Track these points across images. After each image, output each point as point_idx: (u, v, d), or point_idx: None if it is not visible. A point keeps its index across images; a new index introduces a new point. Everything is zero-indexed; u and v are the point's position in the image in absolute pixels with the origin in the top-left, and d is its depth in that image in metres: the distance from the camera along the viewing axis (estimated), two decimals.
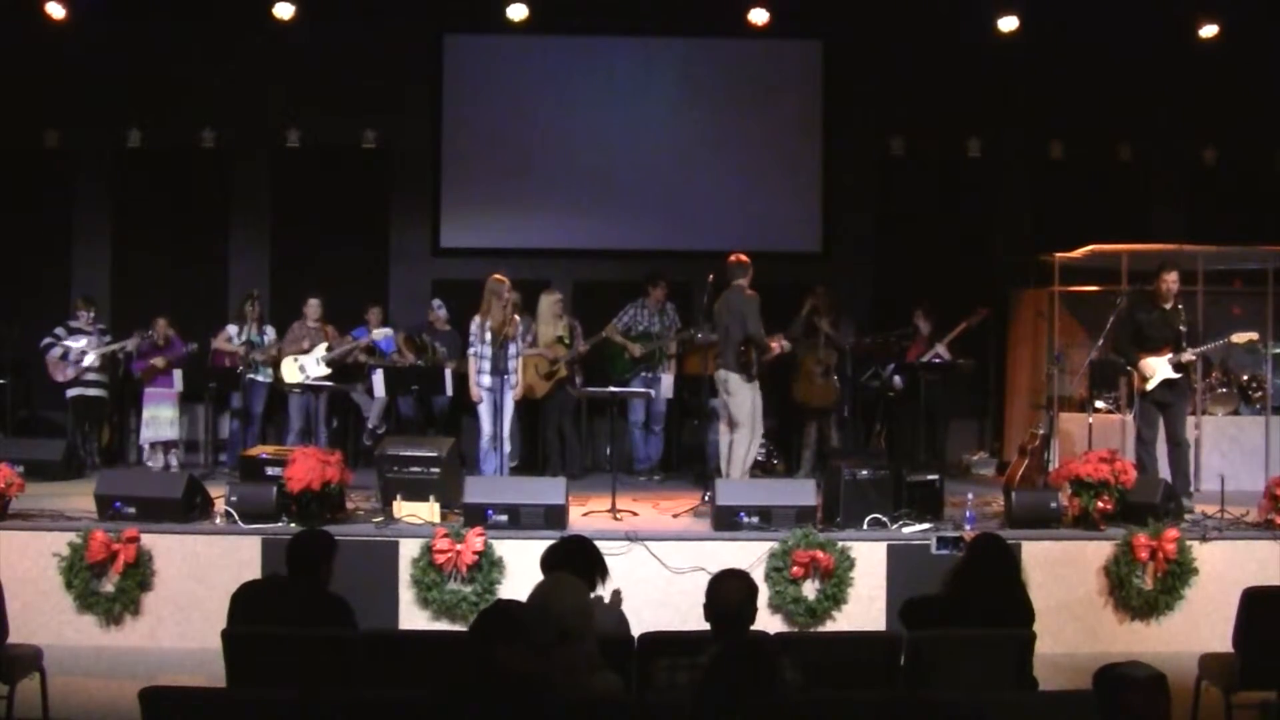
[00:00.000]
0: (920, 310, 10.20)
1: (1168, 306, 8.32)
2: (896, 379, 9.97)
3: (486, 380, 8.50)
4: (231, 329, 10.24)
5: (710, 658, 3.15)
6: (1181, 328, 8.25)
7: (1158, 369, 8.23)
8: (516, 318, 8.69)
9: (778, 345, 8.34)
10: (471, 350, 8.64)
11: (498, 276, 8.68)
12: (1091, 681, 3.33)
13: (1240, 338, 8.46)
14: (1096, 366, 9.50)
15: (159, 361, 10.03)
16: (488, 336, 8.48)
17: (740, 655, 3.01)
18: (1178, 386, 8.31)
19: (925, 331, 10.12)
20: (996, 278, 11.31)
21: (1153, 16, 10.43)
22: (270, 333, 10.27)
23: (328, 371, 9.86)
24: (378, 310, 10.52)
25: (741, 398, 8.10)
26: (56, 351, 10.13)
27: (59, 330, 10.22)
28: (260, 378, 10.14)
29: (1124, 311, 8.65)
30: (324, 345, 9.95)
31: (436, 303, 10.51)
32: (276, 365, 10.04)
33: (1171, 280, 8.27)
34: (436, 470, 7.45)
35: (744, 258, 8.27)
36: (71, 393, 10.20)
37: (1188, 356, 8.24)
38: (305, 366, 9.87)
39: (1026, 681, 4.52)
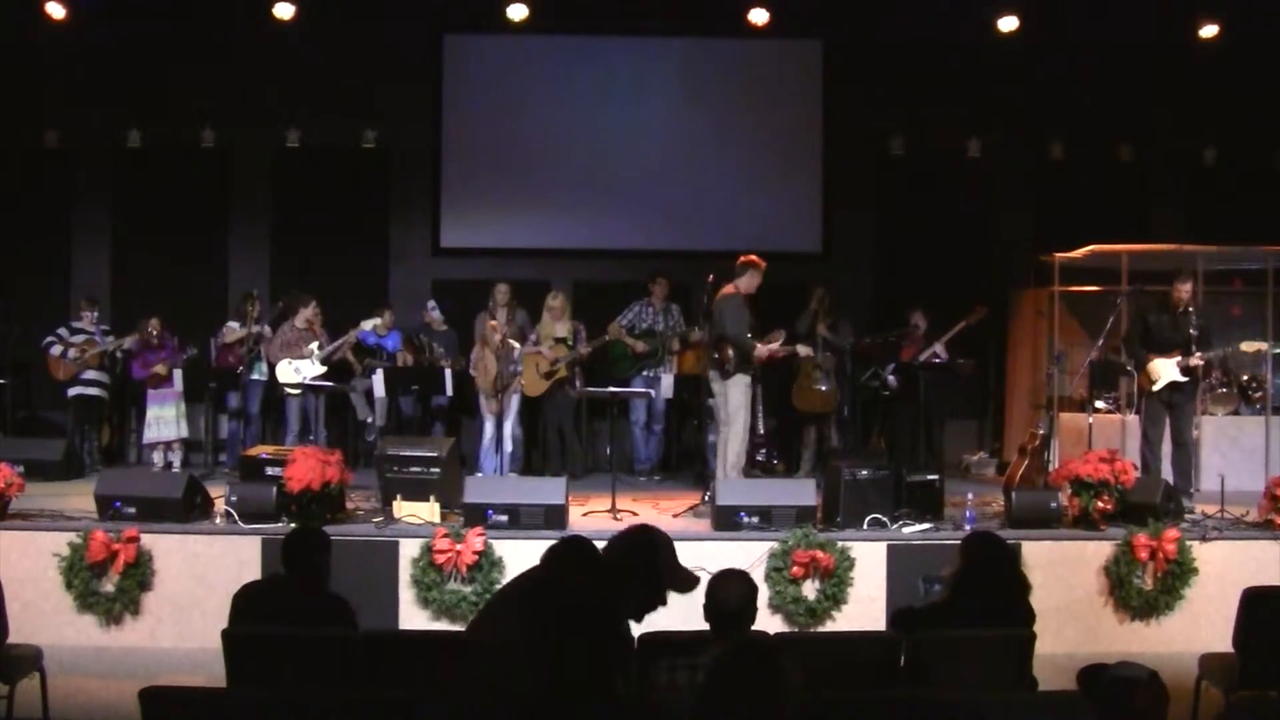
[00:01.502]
0: (917, 310, 10.18)
1: (1178, 311, 8.33)
2: (890, 379, 9.96)
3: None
4: (234, 324, 10.24)
5: (714, 658, 3.13)
6: (1192, 331, 8.24)
7: (1164, 372, 8.24)
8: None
9: (766, 350, 8.27)
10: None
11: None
12: (1078, 681, 3.32)
13: (1249, 346, 8.44)
14: (1096, 366, 9.51)
15: (161, 369, 10.00)
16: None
17: (746, 655, 2.99)
18: (1184, 389, 8.31)
19: (922, 330, 10.09)
20: (996, 278, 11.31)
21: (1153, 17, 10.43)
22: (267, 330, 10.27)
23: (323, 370, 9.85)
24: (389, 313, 10.38)
25: (723, 396, 8.12)
26: (56, 350, 10.13)
27: (61, 330, 10.23)
28: (255, 375, 10.14)
29: (1134, 312, 8.65)
30: (315, 344, 9.94)
31: (431, 304, 10.49)
32: (271, 367, 10.06)
33: (1184, 290, 8.31)
34: (436, 470, 7.45)
35: (749, 258, 8.23)
36: (72, 392, 10.21)
37: (1195, 361, 8.24)
38: (300, 368, 9.86)
39: (1026, 681, 4.52)
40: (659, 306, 10.18)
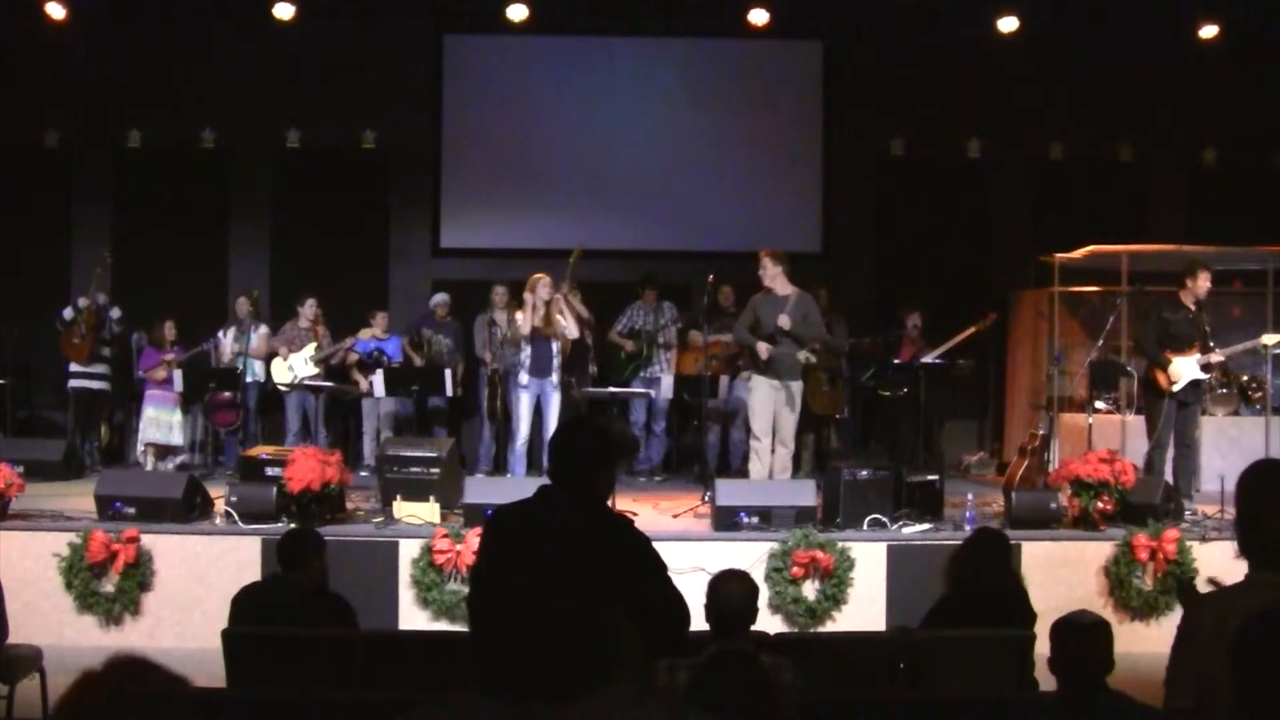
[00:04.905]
0: (914, 310, 10.12)
1: (1194, 307, 8.31)
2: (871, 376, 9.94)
3: (524, 379, 8.50)
4: (226, 341, 10.21)
5: (694, 668, 3.11)
6: (1206, 328, 8.23)
7: (1185, 370, 8.21)
8: (560, 317, 8.65)
9: (764, 348, 8.16)
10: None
11: (540, 275, 8.68)
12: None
13: (1270, 339, 8.33)
14: (1096, 366, 9.50)
15: (170, 358, 10.01)
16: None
17: (725, 663, 2.98)
18: (1200, 386, 8.31)
19: (918, 331, 10.03)
20: (996, 278, 11.30)
21: (1153, 16, 10.44)
22: (262, 328, 10.26)
23: (316, 371, 9.83)
24: (383, 316, 10.28)
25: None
26: (68, 313, 10.11)
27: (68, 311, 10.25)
28: (250, 378, 10.14)
29: (1149, 311, 8.60)
30: (313, 345, 9.93)
31: (440, 296, 10.45)
32: (268, 364, 10.07)
33: (1206, 280, 8.24)
34: (436, 470, 7.44)
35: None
36: (73, 384, 10.20)
37: (1217, 358, 8.22)
38: (294, 366, 9.86)
39: (1026, 681, 4.52)
40: (650, 307, 10.17)
